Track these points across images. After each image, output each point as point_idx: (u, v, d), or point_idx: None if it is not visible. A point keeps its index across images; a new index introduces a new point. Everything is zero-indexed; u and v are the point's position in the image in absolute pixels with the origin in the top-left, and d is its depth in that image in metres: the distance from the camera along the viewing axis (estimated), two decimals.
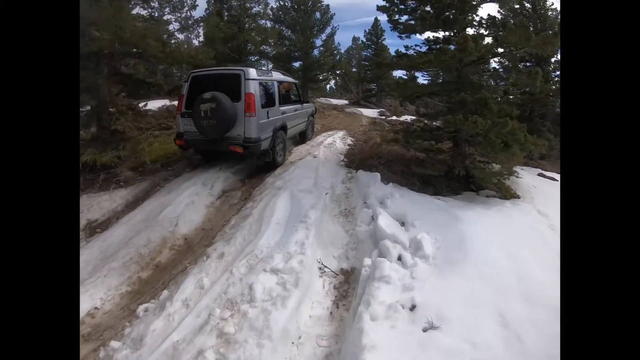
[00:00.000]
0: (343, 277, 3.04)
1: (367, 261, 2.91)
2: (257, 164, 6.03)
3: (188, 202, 4.38)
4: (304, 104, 7.45)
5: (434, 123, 5.06)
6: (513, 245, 3.11)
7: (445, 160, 4.40)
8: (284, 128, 5.87)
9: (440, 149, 4.65)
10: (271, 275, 2.75)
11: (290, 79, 6.96)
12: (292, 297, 2.52)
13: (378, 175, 4.50)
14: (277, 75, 6.08)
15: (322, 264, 3.10)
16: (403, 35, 5.61)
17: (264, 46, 12.44)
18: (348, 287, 2.93)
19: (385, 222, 3.30)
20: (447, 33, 4.93)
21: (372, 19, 23.03)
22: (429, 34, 5.27)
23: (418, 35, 5.72)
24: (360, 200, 4.09)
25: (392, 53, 4.99)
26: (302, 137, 7.68)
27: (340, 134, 9.34)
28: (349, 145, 7.69)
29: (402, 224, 3.41)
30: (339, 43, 19.25)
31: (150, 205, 4.76)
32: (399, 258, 2.87)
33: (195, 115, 4.74)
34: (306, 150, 6.75)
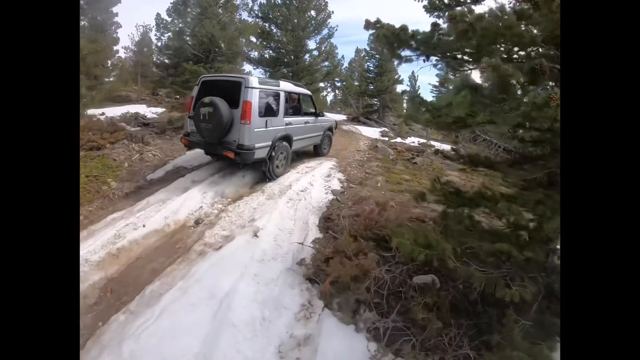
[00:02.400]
0: None
1: None
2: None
3: None
4: (319, 118, 7.12)
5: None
6: None
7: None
8: (287, 139, 5.73)
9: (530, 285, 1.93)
10: None
11: (303, 91, 6.65)
12: None
13: None
14: (285, 86, 5.82)
15: None
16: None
17: (243, 47, 10.01)
18: None
19: None
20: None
21: None
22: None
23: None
24: None
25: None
26: (317, 151, 7.52)
27: (326, 166, 6.62)
28: (333, 193, 5.06)
29: None
30: (336, 46, 16.90)
31: None
32: None
33: (196, 117, 4.84)
34: (250, 213, 3.95)
